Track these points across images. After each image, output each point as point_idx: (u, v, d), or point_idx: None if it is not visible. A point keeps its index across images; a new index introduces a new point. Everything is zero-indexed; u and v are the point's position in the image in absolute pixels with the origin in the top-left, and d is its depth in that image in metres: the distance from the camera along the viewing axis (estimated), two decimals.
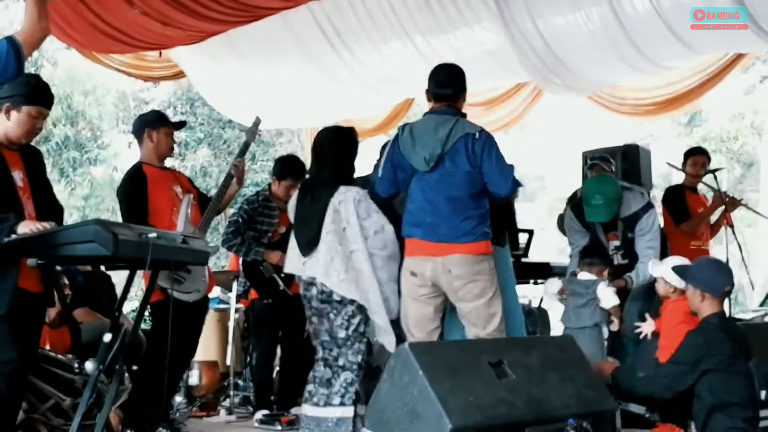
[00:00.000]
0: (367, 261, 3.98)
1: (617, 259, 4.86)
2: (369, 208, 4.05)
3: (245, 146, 4.84)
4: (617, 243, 4.84)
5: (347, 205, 4.01)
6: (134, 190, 4.35)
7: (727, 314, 4.28)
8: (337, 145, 4.25)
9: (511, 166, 4.00)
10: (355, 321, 4.05)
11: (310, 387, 4.11)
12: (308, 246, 4.09)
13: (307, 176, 4.73)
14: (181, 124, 4.75)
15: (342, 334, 4.04)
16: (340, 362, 4.03)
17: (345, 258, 3.98)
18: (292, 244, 4.25)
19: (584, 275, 4.76)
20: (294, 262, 4.21)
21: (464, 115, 4.06)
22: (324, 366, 4.10)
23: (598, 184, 4.86)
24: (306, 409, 4.08)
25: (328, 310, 4.05)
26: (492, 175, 3.92)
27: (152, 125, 4.48)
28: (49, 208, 3.49)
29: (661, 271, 4.10)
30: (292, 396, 5.09)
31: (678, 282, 3.95)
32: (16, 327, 3.25)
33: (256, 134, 5.03)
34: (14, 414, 3.43)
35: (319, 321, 4.10)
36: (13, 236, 3.09)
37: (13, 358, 3.24)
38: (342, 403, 3.96)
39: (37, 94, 3.38)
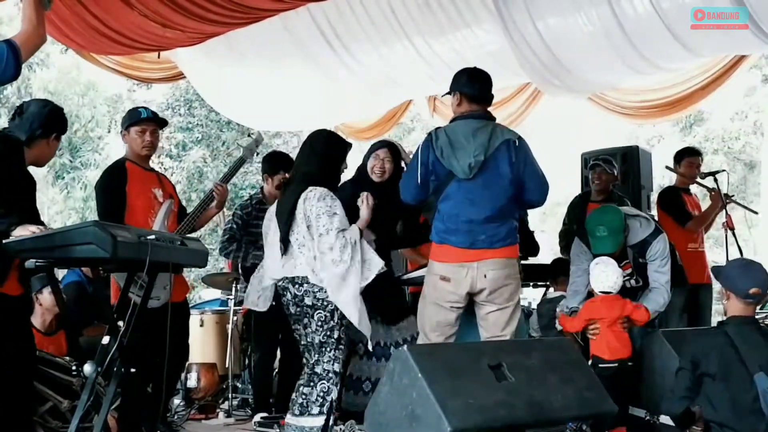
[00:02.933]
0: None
1: (630, 284, 4.65)
2: (322, 208, 3.83)
3: (240, 162, 4.69)
4: (629, 271, 4.64)
5: (310, 203, 3.86)
6: (112, 184, 4.24)
7: None
8: (324, 146, 4.09)
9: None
10: (328, 326, 3.89)
11: (293, 395, 4.01)
12: (282, 245, 3.93)
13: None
14: (151, 120, 4.37)
15: (317, 339, 3.90)
16: (317, 370, 3.90)
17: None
18: (271, 251, 4.05)
19: (552, 293, 4.84)
20: (274, 266, 4.01)
21: (494, 119, 4.02)
22: (306, 372, 4.00)
23: (601, 215, 4.63)
24: (288, 418, 4.00)
25: (302, 315, 3.91)
26: (531, 183, 3.92)
27: (124, 126, 4.42)
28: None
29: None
30: (290, 399, 5.07)
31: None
32: None
33: (255, 152, 4.85)
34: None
35: (295, 326, 3.99)
36: (12, 237, 3.06)
37: None
38: (320, 413, 3.88)
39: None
